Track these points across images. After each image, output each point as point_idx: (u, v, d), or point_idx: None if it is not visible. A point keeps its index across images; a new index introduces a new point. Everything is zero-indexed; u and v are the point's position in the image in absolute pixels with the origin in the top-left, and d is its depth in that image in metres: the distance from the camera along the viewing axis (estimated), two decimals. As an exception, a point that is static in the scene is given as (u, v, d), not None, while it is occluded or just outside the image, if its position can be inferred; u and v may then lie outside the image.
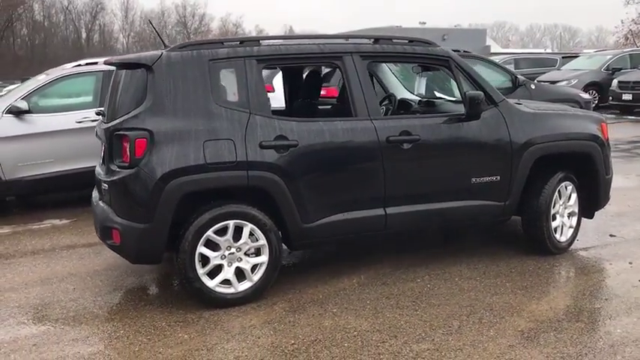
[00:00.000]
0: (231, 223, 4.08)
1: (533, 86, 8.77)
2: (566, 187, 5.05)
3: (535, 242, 5.02)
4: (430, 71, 5.64)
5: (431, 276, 4.67)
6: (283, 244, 4.42)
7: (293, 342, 3.64)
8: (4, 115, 6.79)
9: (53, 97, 7.18)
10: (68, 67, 7.39)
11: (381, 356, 3.44)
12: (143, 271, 4.94)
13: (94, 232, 4.67)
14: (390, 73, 6.08)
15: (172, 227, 4.02)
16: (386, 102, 5.98)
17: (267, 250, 4.20)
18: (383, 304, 4.17)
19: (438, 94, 6.21)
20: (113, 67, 4.71)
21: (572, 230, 5.14)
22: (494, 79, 8.83)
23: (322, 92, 7.60)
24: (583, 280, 4.58)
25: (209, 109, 4.06)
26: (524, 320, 3.85)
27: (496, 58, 21.44)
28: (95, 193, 4.63)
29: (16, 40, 70.16)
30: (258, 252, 4.22)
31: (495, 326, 3.77)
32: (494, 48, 52.74)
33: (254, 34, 70.29)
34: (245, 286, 4.20)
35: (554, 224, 4.98)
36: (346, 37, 4.92)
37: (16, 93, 7.12)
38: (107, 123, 4.23)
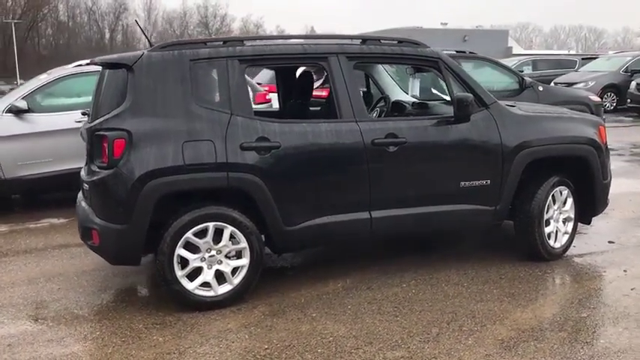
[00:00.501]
0: (210, 225, 4.04)
1: (540, 88, 8.61)
2: (560, 192, 4.92)
3: (528, 248, 4.90)
4: (423, 72, 5.55)
5: (417, 281, 4.59)
6: (267, 247, 4.38)
7: (267, 347, 3.58)
8: (4, 114, 6.84)
9: (53, 97, 7.21)
10: (69, 67, 7.42)
11: (353, 363, 3.37)
12: (130, 272, 4.92)
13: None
14: (386, 75, 6.00)
15: (154, 229, 4.00)
16: (381, 104, 5.90)
17: (249, 253, 4.15)
18: (364, 309, 4.10)
19: (439, 95, 6.12)
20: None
21: (567, 236, 5.01)
22: (500, 80, 8.70)
23: (323, 93, 7.58)
24: (574, 287, 4.46)
25: (189, 110, 4.03)
26: (505, 329, 3.75)
27: (514, 60, 21.26)
28: (80, 194, 4.62)
29: (40, 40, 71.36)
30: (239, 255, 4.17)
31: (475, 334, 3.68)
32: (517, 49, 52.30)
33: (275, 34, 70.32)
34: (225, 289, 4.15)
35: (547, 230, 4.86)
36: (333, 37, 4.86)
37: (16, 92, 7.17)
38: (90, 123, 4.22)
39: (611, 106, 17.49)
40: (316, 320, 3.94)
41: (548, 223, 4.86)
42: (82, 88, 7.22)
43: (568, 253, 5.09)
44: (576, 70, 19.27)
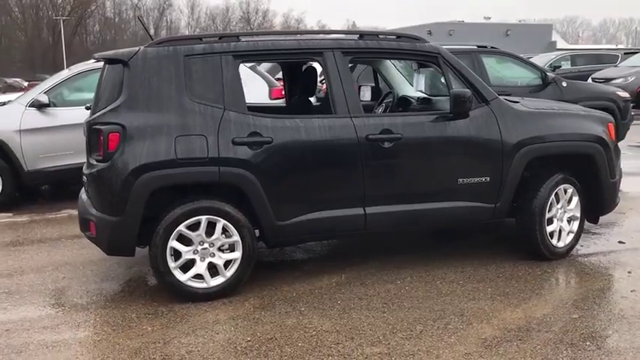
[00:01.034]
0: (203, 218, 4.10)
1: (564, 84, 8.38)
2: (565, 190, 4.81)
3: (529, 247, 4.81)
4: (430, 68, 5.49)
5: (413, 278, 4.56)
6: (262, 241, 4.42)
7: (249, 339, 3.63)
8: (27, 108, 7.08)
9: (74, 92, 7.42)
10: (90, 63, 7.61)
11: (330, 358, 3.38)
12: (134, 263, 5.03)
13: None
14: (395, 70, 5.96)
15: (150, 221, 4.09)
16: (388, 99, 5.87)
17: (241, 247, 4.20)
18: (353, 304, 4.10)
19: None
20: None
21: (572, 235, 4.89)
22: (522, 76, 8.53)
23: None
24: (571, 288, 4.37)
25: (182, 105, 4.09)
26: (491, 328, 3.70)
27: (551, 55, 20.79)
28: (83, 187, 4.76)
29: (88, 36, 73.19)
30: (232, 248, 4.22)
31: (459, 333, 3.64)
32: (561, 44, 51.09)
33: (316, 29, 70.37)
34: (218, 281, 4.21)
35: (550, 228, 4.75)
36: (330, 32, 4.85)
37: (39, 87, 7.41)
38: (90, 117, 4.33)
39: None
40: (303, 314, 3.96)
41: (551, 221, 4.76)
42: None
43: (573, 252, 4.98)
44: (616, 66, 18.68)
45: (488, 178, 4.59)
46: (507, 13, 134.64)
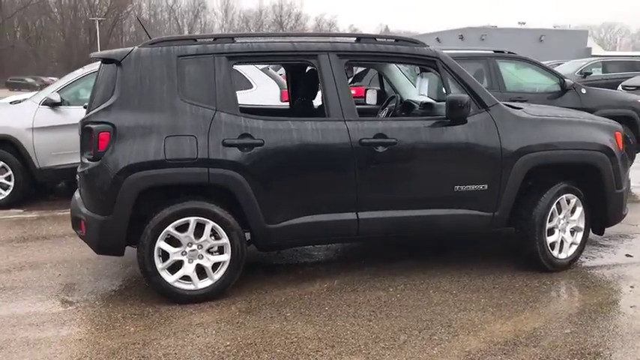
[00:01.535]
0: (192, 219, 4.08)
1: (583, 91, 8.16)
2: (568, 200, 4.66)
3: (528, 257, 4.67)
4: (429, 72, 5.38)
5: (406, 286, 4.46)
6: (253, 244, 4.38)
7: (228, 344, 3.58)
8: (40, 106, 7.18)
9: (87, 90, 7.48)
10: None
11: (307, 365, 3.32)
12: (131, 262, 5.01)
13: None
14: (400, 74, 5.87)
15: (141, 221, 4.08)
16: (392, 103, 5.78)
17: (230, 249, 4.16)
18: (340, 311, 4.03)
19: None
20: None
21: (575, 247, 4.74)
22: (541, 82, 8.33)
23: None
24: (568, 301, 4.22)
25: (173, 105, 4.08)
26: (477, 340, 3.59)
27: (582, 61, 20.33)
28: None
29: (124, 37, 74.43)
30: (221, 250, 4.19)
31: (443, 344, 3.54)
32: (597, 50, 50.02)
33: (348, 32, 70.38)
34: (205, 283, 4.18)
35: (551, 239, 4.61)
36: (327, 35, 4.79)
37: (53, 86, 7.51)
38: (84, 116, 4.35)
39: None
40: (288, 320, 3.90)
41: (552, 232, 4.62)
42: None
43: (576, 264, 4.82)
44: (649, 73, 18.16)
45: (486, 186, 4.47)
46: (544, 18, 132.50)
